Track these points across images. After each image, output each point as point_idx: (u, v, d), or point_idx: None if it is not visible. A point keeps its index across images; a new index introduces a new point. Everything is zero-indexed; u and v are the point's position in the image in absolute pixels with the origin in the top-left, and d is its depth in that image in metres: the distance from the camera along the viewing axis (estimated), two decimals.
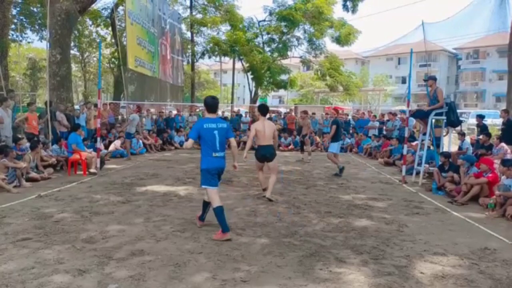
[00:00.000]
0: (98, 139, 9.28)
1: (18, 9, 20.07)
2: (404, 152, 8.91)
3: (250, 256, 3.99)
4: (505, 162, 6.39)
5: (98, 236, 4.52)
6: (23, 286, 3.23)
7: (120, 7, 20.36)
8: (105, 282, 3.34)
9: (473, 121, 17.31)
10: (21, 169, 7.34)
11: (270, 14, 22.92)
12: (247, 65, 23.16)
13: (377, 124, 15.50)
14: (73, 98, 16.53)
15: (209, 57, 24.75)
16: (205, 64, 34.53)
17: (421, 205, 6.48)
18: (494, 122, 17.25)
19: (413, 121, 11.39)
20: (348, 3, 21.18)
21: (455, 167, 7.72)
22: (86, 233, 4.59)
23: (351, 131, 16.47)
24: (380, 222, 5.40)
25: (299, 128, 13.79)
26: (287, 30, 22.49)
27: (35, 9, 20.69)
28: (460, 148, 10.43)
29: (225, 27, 24.00)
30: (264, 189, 6.60)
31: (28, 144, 8.48)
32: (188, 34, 24.45)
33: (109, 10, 21.77)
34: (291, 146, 15.31)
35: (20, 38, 21.62)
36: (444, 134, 9.72)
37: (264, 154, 6.53)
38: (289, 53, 23.68)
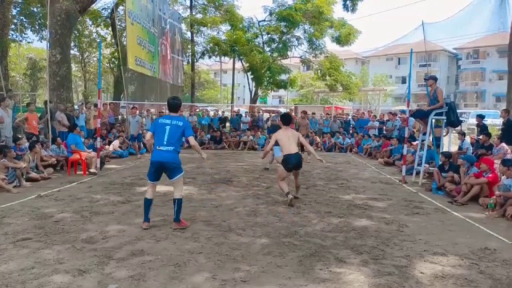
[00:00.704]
0: (98, 139, 9.28)
1: (18, 9, 20.07)
2: (404, 152, 8.92)
3: (250, 256, 3.99)
4: (505, 162, 6.39)
5: (98, 236, 4.52)
6: (23, 286, 3.23)
7: (120, 7, 20.36)
8: (105, 282, 3.34)
9: (473, 121, 17.29)
10: (21, 169, 7.34)
11: (270, 14, 22.95)
12: (247, 65, 23.18)
13: (377, 124, 15.48)
14: (73, 98, 16.53)
15: (209, 57, 24.77)
16: (205, 64, 34.52)
17: (421, 205, 6.48)
18: (494, 122, 17.28)
19: (413, 121, 11.39)
20: (348, 2, 21.19)
21: (455, 167, 7.71)
22: (86, 233, 4.59)
23: (351, 131, 16.47)
24: (380, 222, 5.40)
25: (298, 128, 13.77)
26: (287, 30, 22.51)
27: (35, 9, 20.65)
28: (460, 148, 10.41)
29: (225, 27, 24.07)
30: (288, 193, 6.30)
31: (27, 144, 8.48)
32: (188, 34, 24.44)
33: (109, 10, 21.76)
34: None
35: (20, 38, 21.63)
36: (444, 134, 9.72)
37: (295, 164, 6.35)
38: (289, 53, 23.72)
